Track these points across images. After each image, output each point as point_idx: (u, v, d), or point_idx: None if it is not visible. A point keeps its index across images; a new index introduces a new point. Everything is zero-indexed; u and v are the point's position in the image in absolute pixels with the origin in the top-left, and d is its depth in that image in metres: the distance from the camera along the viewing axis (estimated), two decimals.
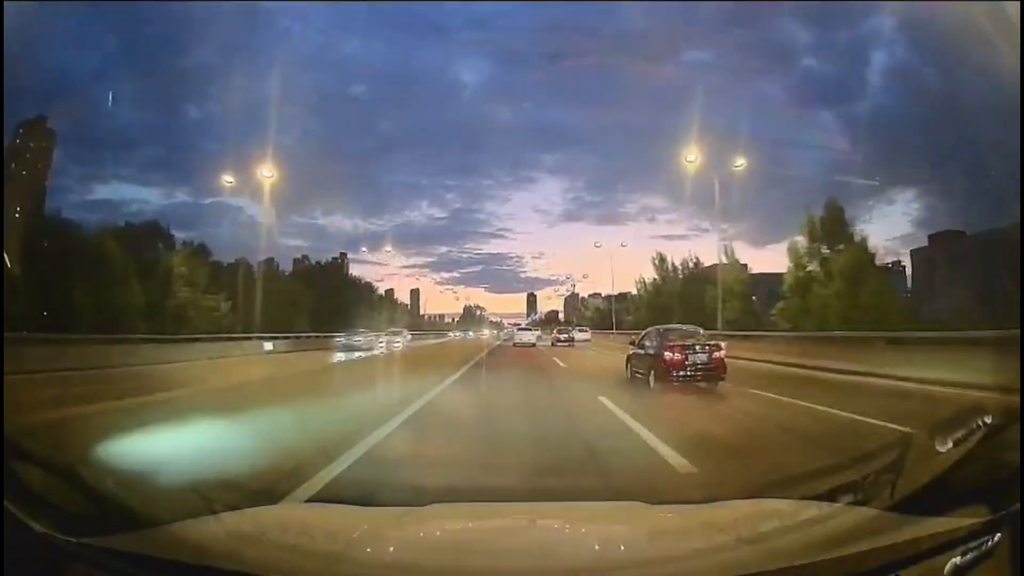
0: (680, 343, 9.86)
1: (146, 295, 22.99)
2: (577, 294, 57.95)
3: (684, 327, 11.53)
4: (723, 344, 10.56)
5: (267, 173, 26.11)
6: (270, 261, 36.68)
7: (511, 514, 2.40)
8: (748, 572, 1.31)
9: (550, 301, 64.76)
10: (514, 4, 41.92)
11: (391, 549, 1.82)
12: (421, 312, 55.82)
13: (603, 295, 51.00)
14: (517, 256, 69.94)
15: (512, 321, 54.84)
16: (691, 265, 33.23)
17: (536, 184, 70.45)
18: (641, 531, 2.04)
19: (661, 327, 11.45)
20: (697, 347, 9.75)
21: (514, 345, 29.99)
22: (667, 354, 9.67)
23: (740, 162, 24.42)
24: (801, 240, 22.74)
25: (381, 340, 27.43)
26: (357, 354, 22.71)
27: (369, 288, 42.13)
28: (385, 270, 64.97)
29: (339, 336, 26.85)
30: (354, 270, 42.45)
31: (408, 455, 4.95)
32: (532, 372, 14.05)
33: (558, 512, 2.40)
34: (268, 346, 24.59)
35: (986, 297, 17.85)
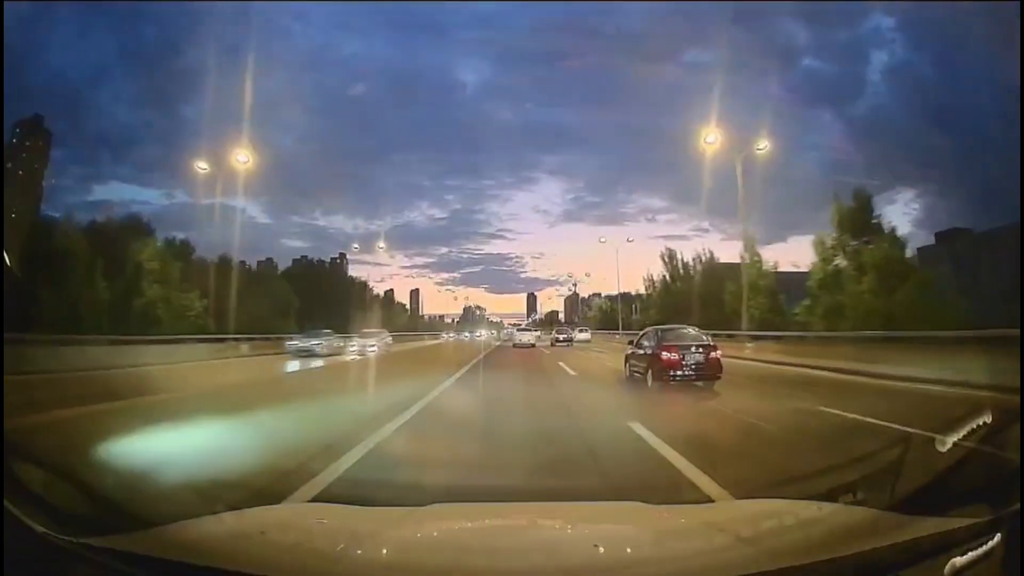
0: (677, 343, 10.01)
1: (112, 293, 21.81)
2: (577, 294, 58.02)
3: (681, 327, 11.66)
4: (718, 345, 10.62)
5: (242, 158, 24.80)
6: (269, 261, 36.80)
7: (511, 514, 2.40)
8: (748, 572, 1.31)
9: (551, 301, 64.95)
10: (514, 4, 42.02)
11: (391, 549, 1.82)
12: (421, 312, 55.92)
13: (603, 295, 51.04)
14: (517, 256, 70.27)
15: (512, 321, 54.96)
16: (704, 260, 31.43)
17: (536, 184, 70.79)
18: (641, 531, 2.04)
19: (659, 327, 11.62)
20: (694, 347, 9.89)
21: (513, 346, 30.07)
22: (664, 354, 9.79)
23: (763, 144, 22.77)
24: (827, 234, 20.98)
25: (353, 343, 23.95)
26: (316, 362, 18.36)
27: (362, 288, 40.97)
28: (385, 270, 65.12)
29: (293, 339, 23.26)
30: (355, 271, 42.45)
31: None
32: (536, 387, 10.82)
33: (558, 512, 2.40)
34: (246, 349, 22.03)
35: (1002, 294, 17.10)
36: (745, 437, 5.83)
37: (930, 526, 1.44)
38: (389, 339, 26.66)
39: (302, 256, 39.99)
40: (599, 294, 52.82)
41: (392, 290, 49.72)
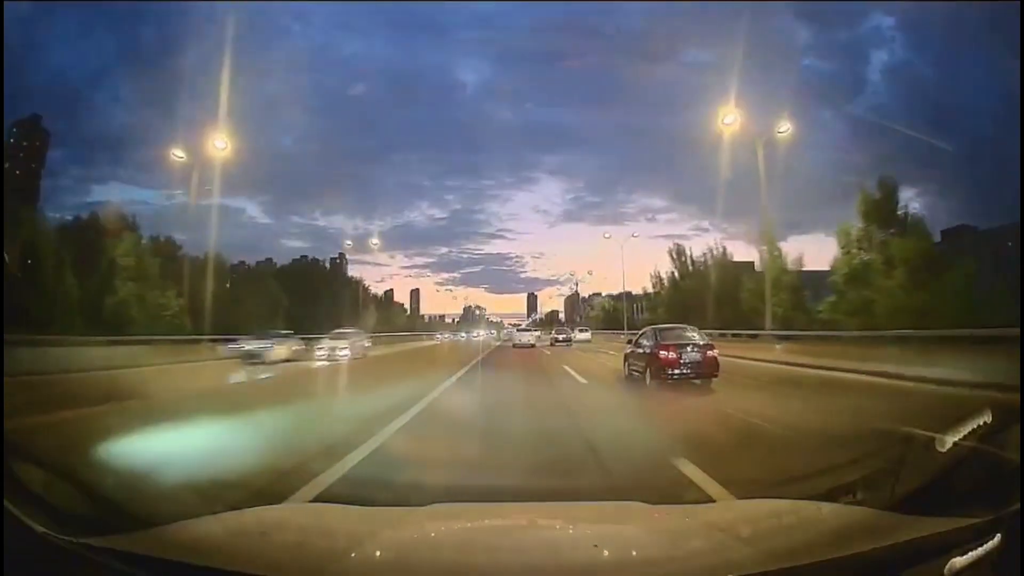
0: (675, 342, 10.20)
1: (84, 291, 20.59)
2: (578, 294, 57.96)
3: (679, 327, 11.88)
4: (715, 344, 10.82)
5: (220, 144, 23.23)
6: (268, 261, 36.65)
7: (511, 514, 2.40)
8: (748, 572, 1.31)
9: (551, 301, 64.97)
10: (514, 4, 41.98)
11: (391, 549, 1.82)
12: (421, 312, 55.87)
13: (603, 294, 50.98)
14: (517, 256, 70.25)
15: (512, 321, 54.91)
16: (716, 256, 29.27)
17: (536, 184, 70.87)
18: (641, 531, 2.04)
19: (657, 327, 11.80)
20: (691, 346, 10.09)
21: (513, 346, 30.09)
22: (662, 353, 9.97)
23: (785, 127, 21.24)
24: (851, 225, 19.54)
25: (321, 346, 20.13)
26: (265, 375, 14.35)
27: (355, 287, 39.51)
28: (385, 270, 65.13)
29: (240, 342, 18.92)
30: (355, 271, 42.28)
31: None
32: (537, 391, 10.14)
33: (558, 512, 2.40)
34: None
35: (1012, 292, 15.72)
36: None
37: (930, 526, 1.44)
38: (366, 342, 22.57)
39: (301, 256, 39.66)
40: (599, 294, 52.81)
41: (392, 290, 49.64)
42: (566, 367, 14.69)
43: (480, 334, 48.57)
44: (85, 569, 1.36)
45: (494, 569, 1.66)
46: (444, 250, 60.82)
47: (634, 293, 40.78)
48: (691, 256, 31.72)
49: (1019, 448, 1.68)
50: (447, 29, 56.31)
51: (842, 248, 19.63)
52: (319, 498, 3.38)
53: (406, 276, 64.98)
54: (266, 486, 3.52)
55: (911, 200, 20.29)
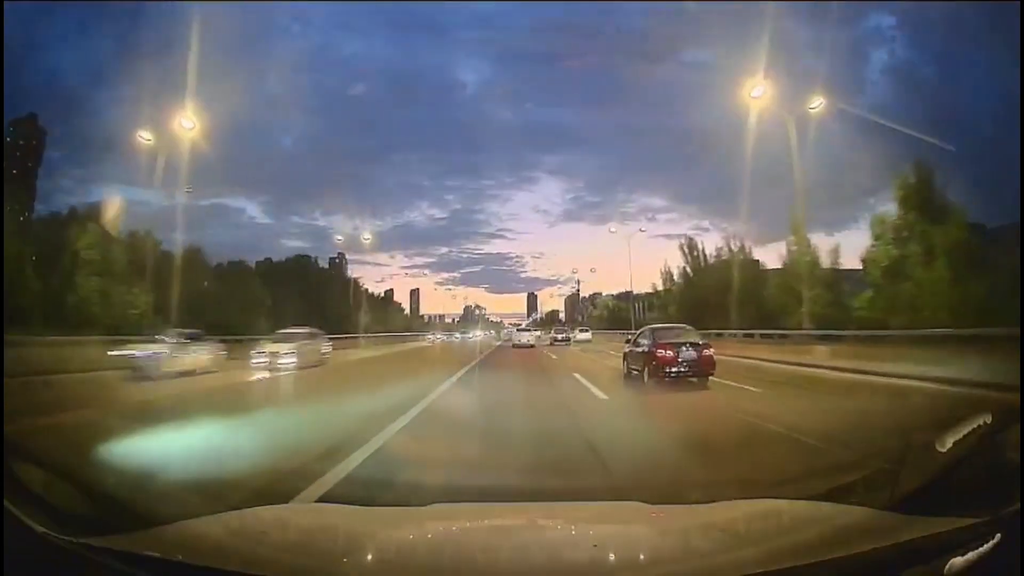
0: (672, 341, 10.39)
1: (45, 287, 19.31)
2: (579, 293, 57.89)
3: (677, 326, 12.12)
4: (711, 343, 11.01)
5: (187, 123, 21.64)
6: (268, 261, 36.39)
7: (511, 514, 2.40)
8: (748, 572, 1.31)
9: (552, 300, 64.91)
10: (514, 4, 41.86)
11: (391, 549, 1.82)
12: (421, 312, 55.79)
13: (604, 294, 50.93)
14: (517, 256, 70.08)
15: (512, 321, 54.86)
16: (734, 250, 26.83)
17: (536, 184, 70.75)
18: (641, 531, 2.04)
19: (654, 326, 12.07)
20: (688, 345, 10.26)
21: (513, 346, 30.25)
22: (659, 351, 10.17)
23: (818, 102, 19.66)
24: (886, 214, 17.89)
25: (262, 352, 15.07)
26: (144, 381, 11.75)
27: (346, 285, 37.82)
28: (385, 271, 65.07)
29: (133, 345, 13.53)
30: (355, 271, 42.05)
31: None
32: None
33: (558, 512, 2.40)
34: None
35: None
36: None
37: (930, 526, 1.44)
38: (326, 345, 18.33)
39: (295, 255, 38.85)
40: (599, 293, 52.75)
41: (392, 290, 49.50)
42: (570, 371, 13.77)
43: (477, 334, 46.77)
44: (85, 569, 1.36)
45: (494, 569, 1.66)
46: (444, 250, 60.63)
47: (636, 293, 40.19)
48: (703, 251, 29.56)
49: (1019, 448, 1.68)
50: (447, 29, 56.26)
51: (876, 238, 18.04)
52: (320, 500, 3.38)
53: (406, 276, 64.76)
54: None
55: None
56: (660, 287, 32.89)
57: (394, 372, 14.62)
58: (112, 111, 21.13)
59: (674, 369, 9.93)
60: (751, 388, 9.60)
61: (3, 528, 1.37)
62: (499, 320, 58.43)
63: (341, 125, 49.65)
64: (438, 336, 44.57)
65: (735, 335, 20.72)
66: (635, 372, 11.28)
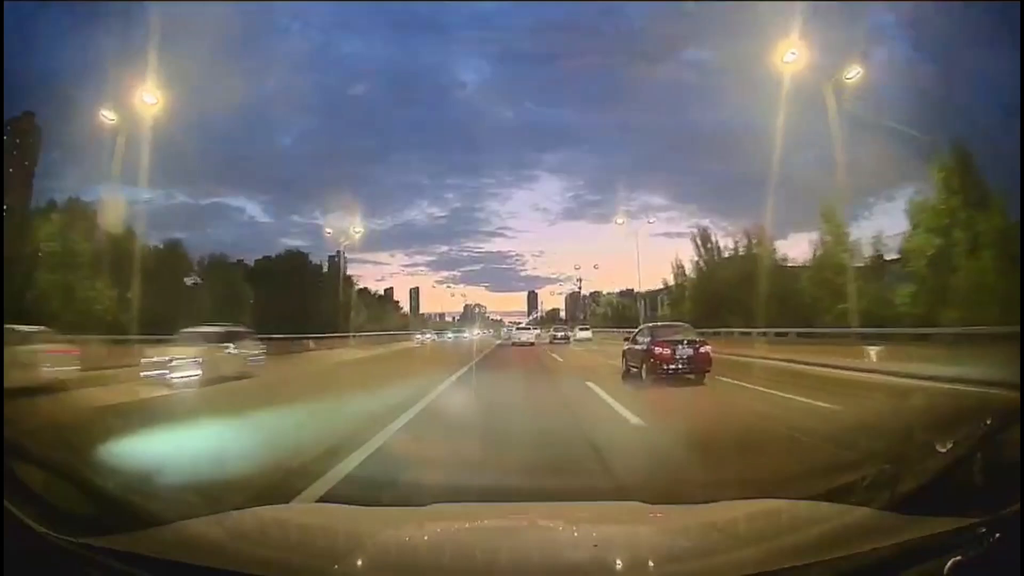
0: (669, 339, 10.57)
1: (9, 281, 16.87)
2: (579, 292, 57.78)
3: (674, 324, 12.34)
4: (709, 341, 11.15)
5: (150, 99, 20.24)
6: (267, 259, 36.20)
7: (511, 514, 2.40)
8: (748, 572, 1.31)
9: (552, 299, 64.86)
10: (514, 4, 41.82)
11: (391, 549, 1.82)
12: (420, 311, 55.72)
13: (605, 292, 50.87)
14: (518, 254, 70.03)
15: (512, 319, 54.85)
16: (752, 243, 24.55)
17: (536, 183, 70.74)
18: (641, 531, 2.04)
19: (652, 324, 12.39)
20: (685, 342, 10.42)
21: (512, 344, 30.29)
22: (657, 349, 10.36)
23: (855, 71, 17.98)
24: (924, 199, 16.28)
25: (151, 360, 11.40)
26: None
27: (337, 282, 35.50)
28: (385, 269, 64.96)
29: None
30: (354, 270, 41.82)
31: None
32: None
33: (558, 512, 2.40)
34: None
35: None
36: None
37: (930, 526, 1.44)
38: (253, 352, 14.14)
39: (286, 251, 37.53)
40: (599, 292, 52.67)
41: (391, 288, 49.42)
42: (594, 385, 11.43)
43: (476, 333, 43.83)
44: (85, 569, 1.36)
45: (494, 569, 1.66)
46: (444, 248, 60.60)
47: (638, 291, 39.37)
48: (717, 244, 27.39)
49: (1019, 448, 1.68)
50: (447, 29, 56.32)
51: (914, 226, 16.42)
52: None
53: (406, 275, 64.74)
54: None
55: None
56: (671, 282, 30.99)
57: (350, 388, 10.62)
58: (108, 109, 20.93)
59: (671, 366, 10.07)
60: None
61: (3, 528, 1.37)
62: (499, 319, 58.40)
63: (341, 125, 49.60)
64: (428, 336, 41.04)
65: (765, 334, 18.41)
66: (633, 369, 11.39)
